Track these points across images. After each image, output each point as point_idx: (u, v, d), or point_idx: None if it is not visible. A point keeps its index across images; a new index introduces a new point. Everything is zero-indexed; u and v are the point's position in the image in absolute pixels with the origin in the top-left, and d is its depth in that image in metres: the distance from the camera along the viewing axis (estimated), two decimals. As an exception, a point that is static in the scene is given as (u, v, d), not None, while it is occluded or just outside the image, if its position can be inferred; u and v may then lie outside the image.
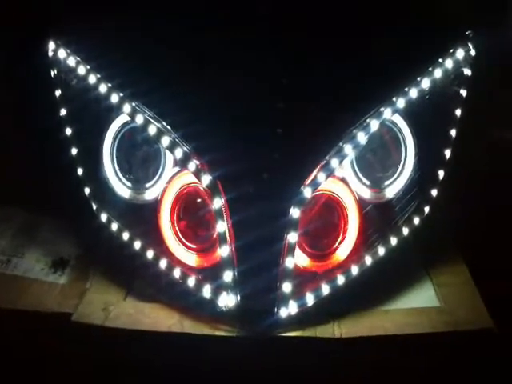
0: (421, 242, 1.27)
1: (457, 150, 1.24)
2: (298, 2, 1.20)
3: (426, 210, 1.23)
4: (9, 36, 1.39)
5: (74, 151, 1.27)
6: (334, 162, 1.10)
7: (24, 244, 1.33)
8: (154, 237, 1.19)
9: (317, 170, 1.09)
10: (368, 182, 1.20)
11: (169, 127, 1.12)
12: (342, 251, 1.18)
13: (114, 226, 1.22)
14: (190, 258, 1.18)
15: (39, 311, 1.16)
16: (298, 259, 1.16)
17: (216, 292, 1.11)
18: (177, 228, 1.18)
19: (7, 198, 1.42)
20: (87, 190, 1.26)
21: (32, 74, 1.35)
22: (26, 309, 1.17)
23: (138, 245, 1.19)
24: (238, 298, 1.10)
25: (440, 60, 1.19)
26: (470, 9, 1.32)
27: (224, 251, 1.09)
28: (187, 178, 1.16)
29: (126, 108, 1.15)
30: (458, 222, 1.33)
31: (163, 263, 1.16)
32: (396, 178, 1.22)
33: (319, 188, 1.12)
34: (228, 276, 1.09)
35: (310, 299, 1.12)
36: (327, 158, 1.10)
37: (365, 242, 1.18)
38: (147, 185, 1.22)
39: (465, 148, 1.26)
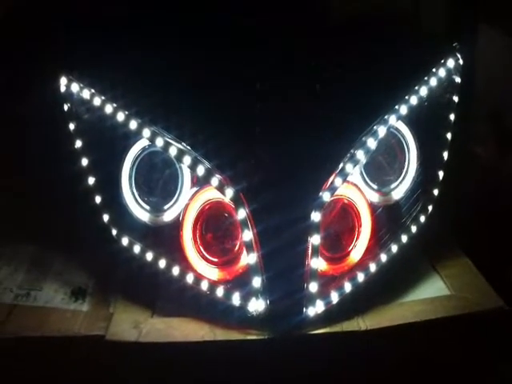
0: (425, 239, 1.34)
1: (453, 151, 1.33)
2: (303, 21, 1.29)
3: (430, 208, 1.32)
4: (18, 73, 1.43)
5: (91, 180, 1.30)
6: (349, 168, 1.18)
7: (40, 277, 1.34)
8: (176, 254, 1.23)
9: (333, 175, 1.16)
10: (375, 186, 1.28)
11: (189, 147, 1.18)
12: (356, 253, 1.25)
13: (137, 248, 1.26)
14: (212, 273, 1.23)
15: (68, 336, 1.17)
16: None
17: (245, 298, 1.16)
18: (199, 244, 1.22)
19: (16, 233, 1.44)
20: (106, 217, 1.30)
21: (41, 111, 1.40)
22: (51, 335, 1.18)
23: (162, 263, 1.23)
24: (268, 301, 1.15)
25: (434, 70, 1.29)
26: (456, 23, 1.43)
27: (251, 259, 1.14)
28: (208, 194, 1.21)
29: (146, 133, 1.20)
30: (456, 217, 1.41)
31: (190, 278, 1.20)
32: (401, 181, 1.31)
33: (336, 193, 1.18)
34: (257, 282, 1.14)
35: (334, 297, 1.18)
36: (342, 164, 1.17)
37: (378, 242, 1.25)
38: (165, 207, 1.26)
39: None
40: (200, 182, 1.21)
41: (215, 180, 1.15)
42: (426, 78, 1.26)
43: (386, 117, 1.21)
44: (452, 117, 1.33)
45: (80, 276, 1.36)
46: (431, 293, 1.27)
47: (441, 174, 1.33)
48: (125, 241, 1.28)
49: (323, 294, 1.17)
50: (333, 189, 1.16)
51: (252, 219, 1.14)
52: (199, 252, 1.23)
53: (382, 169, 1.29)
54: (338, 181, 1.16)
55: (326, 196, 1.15)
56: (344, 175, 1.17)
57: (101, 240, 1.32)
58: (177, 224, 1.24)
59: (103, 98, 1.25)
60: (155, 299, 1.27)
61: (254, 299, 1.16)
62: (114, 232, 1.29)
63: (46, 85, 1.33)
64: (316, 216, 1.14)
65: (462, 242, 1.42)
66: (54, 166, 1.39)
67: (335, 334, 1.16)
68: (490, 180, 1.61)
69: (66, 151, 1.33)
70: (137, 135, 1.22)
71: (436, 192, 1.33)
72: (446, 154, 1.33)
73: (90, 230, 1.34)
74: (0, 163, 1.52)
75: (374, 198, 1.28)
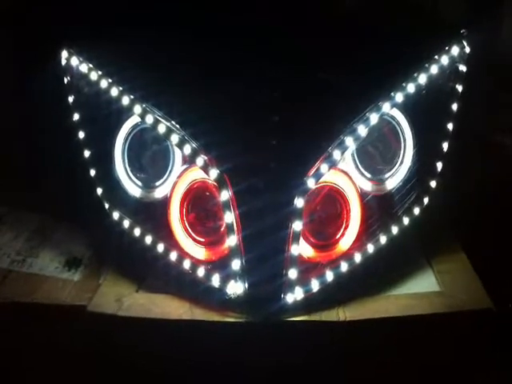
0: (421, 232, 1.31)
1: (454, 143, 1.29)
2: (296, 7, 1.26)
3: (426, 200, 1.28)
4: (23, 48, 1.45)
5: (87, 154, 1.32)
6: (336, 154, 1.15)
7: (38, 245, 1.39)
8: (164, 231, 1.24)
9: (319, 161, 1.14)
10: (369, 175, 1.25)
11: (177, 126, 1.18)
12: (345, 242, 1.23)
13: (126, 223, 1.27)
14: (199, 252, 1.23)
15: (54, 304, 1.21)
16: (303, 250, 1.20)
17: (225, 280, 1.16)
18: (186, 222, 1.23)
19: (22, 201, 1.47)
20: (99, 191, 1.31)
21: (45, 84, 1.41)
22: (41, 302, 1.22)
23: (149, 239, 1.24)
24: (246, 285, 1.15)
25: (436, 57, 1.25)
26: (466, 8, 1.37)
27: (232, 241, 1.14)
28: (196, 173, 1.21)
29: (137, 109, 1.21)
30: (456, 212, 1.37)
31: (173, 255, 1.21)
32: (396, 171, 1.27)
33: (322, 179, 1.17)
34: (236, 264, 1.14)
35: (315, 285, 1.17)
36: (329, 150, 1.15)
37: (367, 232, 1.22)
38: (157, 183, 1.27)
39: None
40: (189, 161, 1.20)
41: (200, 160, 1.15)
42: (426, 65, 1.21)
43: (379, 104, 1.17)
44: (455, 106, 1.28)
45: (78, 247, 1.39)
46: (421, 288, 1.25)
47: (439, 165, 1.29)
48: (116, 215, 1.29)
49: (303, 281, 1.16)
50: (318, 175, 1.14)
51: (235, 201, 1.14)
52: (186, 231, 1.23)
53: (376, 157, 1.26)
54: (325, 167, 1.14)
55: (310, 182, 1.13)
56: (331, 162, 1.15)
57: (95, 213, 1.32)
58: (166, 201, 1.24)
59: (100, 72, 1.26)
60: (145, 275, 1.28)
61: (232, 282, 1.16)
62: (107, 206, 1.30)
63: (49, 58, 1.34)
64: (299, 202, 1.13)
65: (462, 238, 1.37)
66: (58, 138, 1.41)
67: (313, 322, 1.15)
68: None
69: (66, 124, 1.34)
70: (129, 111, 1.23)
71: (433, 184, 1.29)
72: (445, 145, 1.29)
73: (87, 202, 1.35)
74: (4, 136, 1.53)
75: (367, 186, 1.25)
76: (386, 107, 1.18)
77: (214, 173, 1.14)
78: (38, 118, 1.50)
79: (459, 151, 1.32)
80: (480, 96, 1.43)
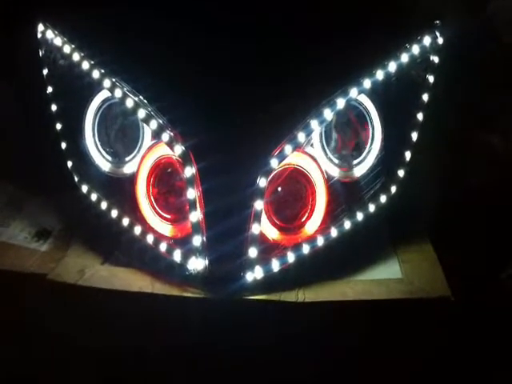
0: (390, 222, 1.32)
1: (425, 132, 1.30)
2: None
3: (393, 189, 1.29)
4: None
5: (59, 126, 1.33)
6: (301, 136, 1.16)
7: (10, 216, 1.40)
8: (130, 206, 1.25)
9: (283, 142, 1.15)
10: (337, 161, 1.26)
11: (145, 101, 1.19)
12: (311, 226, 1.24)
13: (94, 197, 1.28)
14: (165, 228, 1.24)
15: (17, 271, 1.22)
16: (268, 232, 1.21)
17: (186, 256, 1.17)
18: (152, 198, 1.24)
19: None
20: (70, 163, 1.32)
21: (21, 57, 1.42)
22: (4, 268, 1.22)
23: (114, 213, 1.25)
24: (207, 262, 1.16)
25: (407, 46, 1.25)
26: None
27: (194, 217, 1.15)
28: (163, 149, 1.22)
29: (106, 83, 1.22)
30: (426, 202, 1.38)
31: (137, 230, 1.22)
32: (364, 158, 1.28)
33: (287, 161, 1.18)
34: (197, 241, 1.15)
35: (275, 265, 1.18)
36: (294, 131, 1.16)
37: (331, 216, 1.23)
38: (126, 159, 1.28)
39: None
40: (155, 137, 1.21)
41: (166, 135, 1.16)
42: (397, 54, 1.22)
43: (347, 89, 1.18)
44: (425, 97, 1.29)
45: (49, 219, 1.40)
46: (384, 275, 1.26)
47: (408, 154, 1.29)
48: (84, 188, 1.30)
49: (264, 261, 1.17)
50: (282, 156, 1.15)
51: (198, 178, 1.14)
52: (152, 207, 1.24)
53: (344, 144, 1.27)
54: (288, 148, 1.15)
55: (273, 163, 1.14)
56: (295, 143, 1.16)
57: (66, 186, 1.33)
58: (135, 177, 1.25)
59: (73, 46, 1.27)
60: (111, 249, 1.29)
61: (193, 258, 1.16)
62: (76, 179, 1.31)
63: (25, 31, 1.35)
64: (262, 181, 1.14)
65: (432, 230, 1.39)
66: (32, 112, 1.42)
67: (271, 301, 1.16)
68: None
69: (40, 96, 1.35)
70: (99, 85, 1.23)
71: (401, 173, 1.30)
72: (415, 135, 1.29)
73: (58, 175, 1.36)
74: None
75: (334, 172, 1.26)
76: (353, 92, 1.19)
77: (178, 149, 1.15)
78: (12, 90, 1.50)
79: (433, 145, 1.33)
80: (464, 94, 1.43)
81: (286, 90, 1.17)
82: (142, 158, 1.23)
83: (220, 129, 1.16)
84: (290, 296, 1.17)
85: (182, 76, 1.19)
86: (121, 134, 1.29)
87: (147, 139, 1.26)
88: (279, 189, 1.20)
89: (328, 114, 1.17)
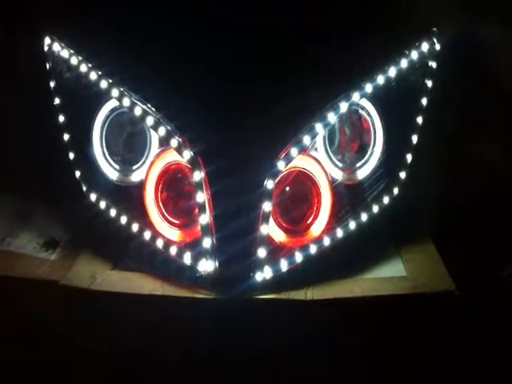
0: (393, 222, 1.35)
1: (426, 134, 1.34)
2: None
3: (396, 190, 1.32)
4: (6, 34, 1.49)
5: (66, 137, 1.35)
6: (306, 139, 1.20)
7: (19, 227, 1.42)
8: (139, 213, 1.27)
9: (289, 145, 1.18)
10: (340, 165, 1.29)
11: (153, 109, 1.22)
12: (316, 227, 1.27)
13: (103, 205, 1.30)
14: (173, 234, 1.26)
15: (30, 278, 1.24)
16: (275, 234, 1.24)
17: (196, 258, 1.19)
18: (161, 204, 1.26)
19: (4, 184, 1.50)
20: (78, 173, 1.35)
21: (28, 69, 1.45)
22: (16, 275, 1.25)
23: (123, 220, 1.27)
24: (217, 263, 1.18)
25: (406, 51, 1.30)
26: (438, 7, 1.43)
27: (203, 220, 1.17)
28: (170, 156, 1.24)
29: (115, 92, 1.25)
30: (428, 203, 1.41)
31: (147, 235, 1.24)
32: (366, 161, 1.31)
33: (293, 164, 1.21)
34: (207, 243, 1.17)
35: (284, 265, 1.20)
36: (300, 135, 1.19)
37: (336, 217, 1.26)
38: (134, 167, 1.31)
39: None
40: (164, 143, 1.24)
41: (175, 141, 1.19)
42: (396, 59, 1.26)
43: (349, 93, 1.22)
44: (424, 101, 1.33)
45: (57, 229, 1.43)
46: (388, 273, 1.29)
47: (409, 157, 1.33)
48: (93, 196, 1.32)
49: (273, 261, 1.20)
50: (288, 158, 1.18)
51: (207, 182, 1.17)
52: (161, 213, 1.26)
53: (347, 147, 1.30)
54: (294, 151, 1.18)
55: (280, 165, 1.17)
56: (301, 146, 1.19)
57: (74, 195, 1.36)
58: (143, 184, 1.28)
59: (80, 58, 1.30)
60: (120, 256, 1.31)
61: (203, 260, 1.19)
62: (84, 188, 1.33)
63: (32, 44, 1.38)
64: (269, 183, 1.17)
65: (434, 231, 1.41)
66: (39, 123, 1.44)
67: (281, 300, 1.18)
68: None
69: (47, 108, 1.38)
70: (107, 94, 1.26)
71: (403, 175, 1.33)
72: (415, 138, 1.33)
73: (66, 185, 1.39)
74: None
75: (338, 175, 1.29)
76: (355, 97, 1.23)
77: (187, 154, 1.18)
78: (18, 102, 1.52)
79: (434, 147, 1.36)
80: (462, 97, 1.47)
81: (292, 94, 1.20)
82: (150, 165, 1.25)
83: (227, 133, 1.19)
84: (299, 295, 1.19)
85: (189, 82, 1.22)
86: (128, 143, 1.31)
87: (154, 147, 1.28)
88: (285, 191, 1.23)
89: (332, 118, 1.20)
